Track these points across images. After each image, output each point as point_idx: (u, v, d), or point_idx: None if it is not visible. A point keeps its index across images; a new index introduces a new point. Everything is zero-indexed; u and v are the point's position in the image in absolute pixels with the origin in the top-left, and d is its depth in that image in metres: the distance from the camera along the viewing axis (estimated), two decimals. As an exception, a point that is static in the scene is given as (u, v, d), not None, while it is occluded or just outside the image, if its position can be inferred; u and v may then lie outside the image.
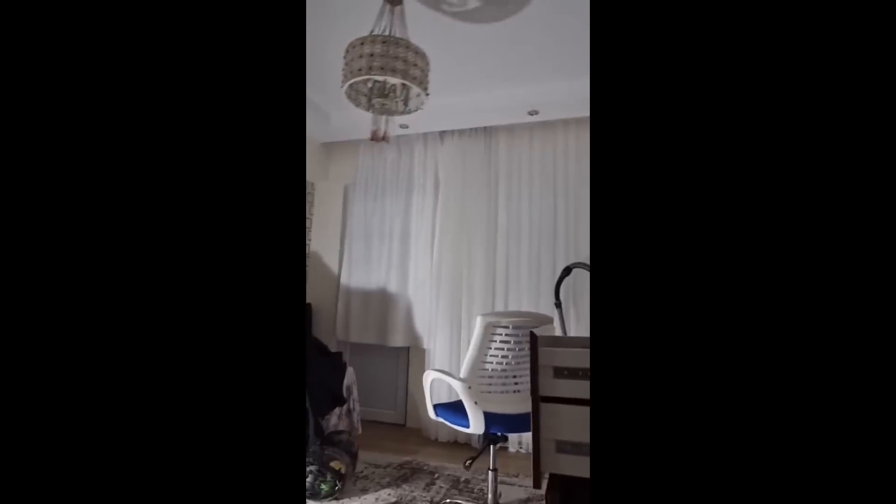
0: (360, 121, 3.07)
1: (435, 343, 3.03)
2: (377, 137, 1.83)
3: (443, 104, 2.81)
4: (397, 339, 3.17)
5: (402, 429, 3.15)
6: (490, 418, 1.62)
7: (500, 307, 2.92)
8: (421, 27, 2.12)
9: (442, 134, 3.24)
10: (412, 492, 2.06)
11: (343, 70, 1.61)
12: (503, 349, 1.65)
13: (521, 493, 2.10)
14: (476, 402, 1.61)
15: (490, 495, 1.76)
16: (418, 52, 1.59)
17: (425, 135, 3.28)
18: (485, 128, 3.12)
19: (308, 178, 3.57)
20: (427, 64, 1.64)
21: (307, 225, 3.63)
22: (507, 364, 1.66)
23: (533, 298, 2.83)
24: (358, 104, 1.81)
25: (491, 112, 2.88)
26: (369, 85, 1.76)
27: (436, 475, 2.28)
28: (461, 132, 3.18)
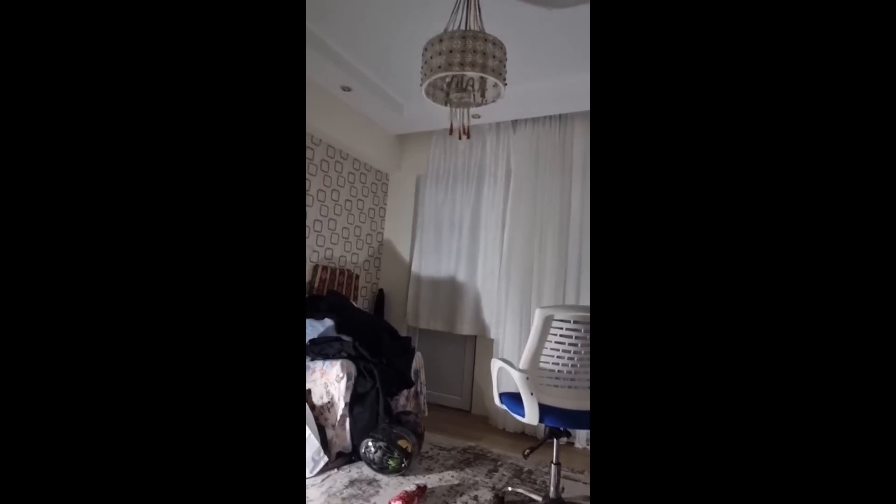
0: (433, 112, 3.12)
1: (504, 334, 3.04)
2: (459, 132, 1.87)
3: (516, 92, 2.77)
4: (464, 328, 3.22)
5: (467, 415, 3.21)
6: (546, 410, 1.61)
7: (571, 301, 2.85)
8: (495, 15, 2.10)
9: (514, 123, 3.20)
10: (475, 476, 2.11)
11: (422, 68, 1.65)
12: (564, 343, 1.62)
13: (586, 490, 2.06)
14: (532, 393, 1.61)
15: (552, 488, 1.75)
16: (496, 43, 1.60)
17: (497, 124, 3.26)
18: (559, 115, 3.03)
19: (382, 168, 3.72)
20: (504, 53, 1.64)
21: (381, 214, 3.79)
22: (568, 359, 1.63)
23: (605, 293, 2.72)
24: (436, 100, 1.85)
25: (566, 99, 2.79)
26: (447, 80, 1.79)
27: (499, 462, 2.30)
28: (534, 120, 3.11)
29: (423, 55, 1.65)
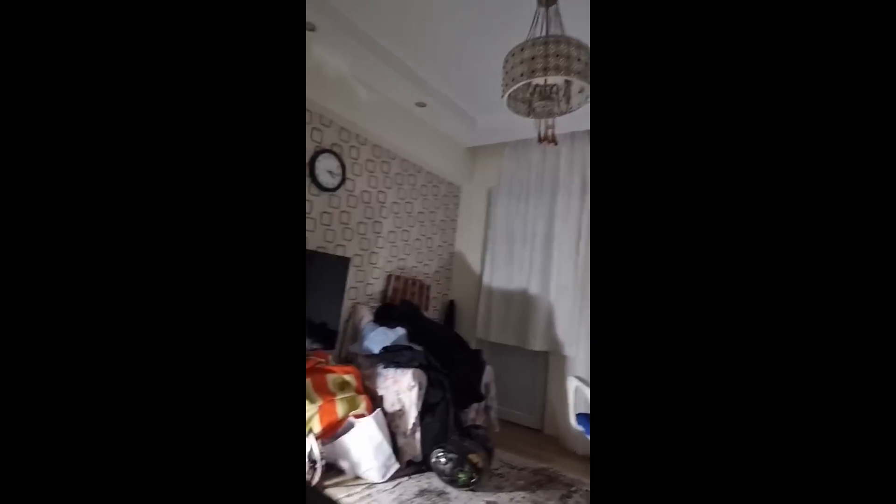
0: (506, 124, 3.11)
1: (578, 351, 2.90)
2: (546, 140, 1.82)
3: (593, 101, 2.68)
4: (536, 343, 3.12)
5: (538, 434, 3.09)
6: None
7: (651, 318, 2.65)
8: (576, 23, 2.06)
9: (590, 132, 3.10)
10: (547, 500, 2.00)
11: (503, 79, 1.62)
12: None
13: (673, 528, 1.87)
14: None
15: (635, 521, 1.61)
16: (580, 46, 1.51)
17: (572, 134, 3.17)
18: (640, 123, 2.88)
19: (454, 181, 3.76)
20: (589, 56, 1.54)
21: (452, 226, 3.82)
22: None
23: (693, 311, 2.50)
24: (518, 112, 1.81)
25: (648, 105, 2.64)
26: (530, 90, 1.75)
27: (573, 488, 2.18)
28: (612, 129, 2.98)
29: (504, 67, 1.63)
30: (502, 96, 1.64)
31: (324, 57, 2.49)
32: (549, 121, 1.81)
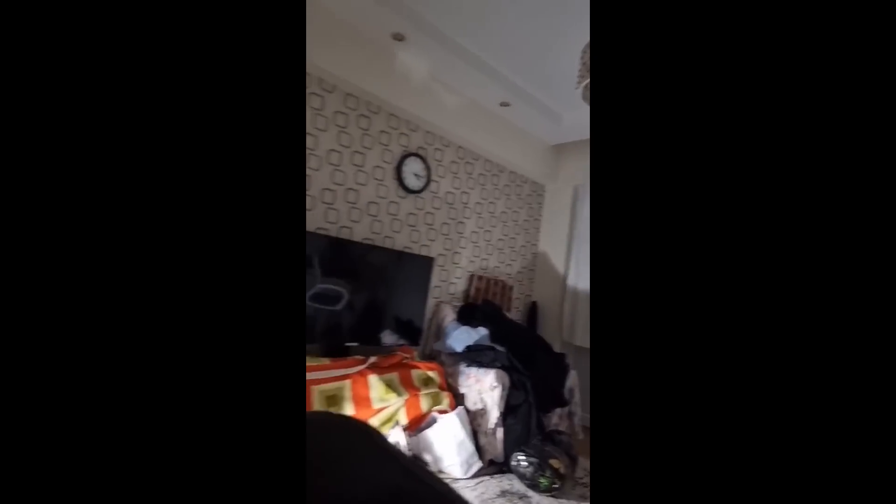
0: (594, 119, 2.98)
1: (671, 359, 2.69)
2: None
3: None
4: (625, 349, 2.95)
5: (626, 446, 2.92)
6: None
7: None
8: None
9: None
10: (637, 516, 1.89)
11: (580, 70, 1.58)
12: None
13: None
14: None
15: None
16: None
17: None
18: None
19: (538, 179, 3.69)
20: None
21: (536, 226, 3.76)
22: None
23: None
24: None
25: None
26: None
27: None
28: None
29: (581, 57, 1.58)
30: (576, 87, 1.59)
31: (410, 64, 2.60)
32: None
